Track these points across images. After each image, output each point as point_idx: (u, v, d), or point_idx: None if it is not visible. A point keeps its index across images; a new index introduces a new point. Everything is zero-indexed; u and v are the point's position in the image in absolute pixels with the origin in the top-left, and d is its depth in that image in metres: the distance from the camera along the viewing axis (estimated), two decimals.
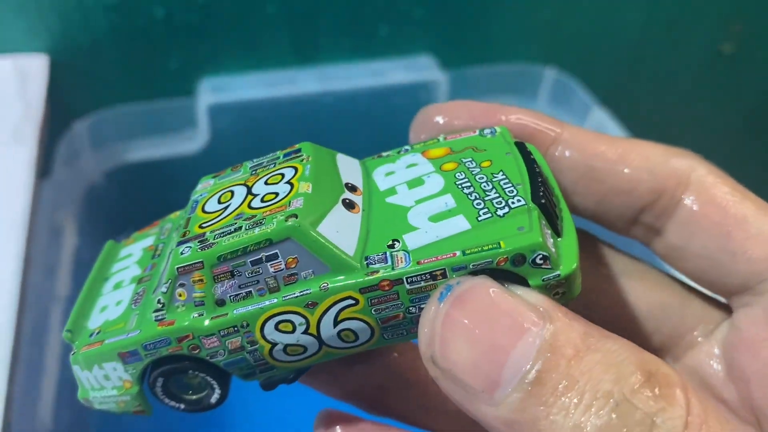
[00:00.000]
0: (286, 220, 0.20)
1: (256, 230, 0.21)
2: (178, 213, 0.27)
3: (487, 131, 0.24)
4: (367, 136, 0.62)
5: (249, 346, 0.22)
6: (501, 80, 0.62)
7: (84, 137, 0.54)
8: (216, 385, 0.23)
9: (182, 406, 0.24)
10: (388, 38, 0.59)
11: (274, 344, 0.21)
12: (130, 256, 0.27)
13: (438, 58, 0.60)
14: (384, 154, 0.26)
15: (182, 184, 0.60)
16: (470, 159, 0.23)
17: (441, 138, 0.25)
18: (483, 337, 0.16)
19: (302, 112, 0.58)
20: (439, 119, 0.25)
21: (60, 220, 0.50)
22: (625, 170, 0.22)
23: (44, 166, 0.49)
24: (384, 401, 0.25)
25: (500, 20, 0.60)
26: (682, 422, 0.15)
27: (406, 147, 0.25)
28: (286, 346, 0.22)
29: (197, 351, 0.22)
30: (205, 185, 0.25)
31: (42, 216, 0.46)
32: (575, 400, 0.15)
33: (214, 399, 0.23)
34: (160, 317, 0.22)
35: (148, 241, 0.27)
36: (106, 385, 0.23)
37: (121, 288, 0.25)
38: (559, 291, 0.19)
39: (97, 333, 0.23)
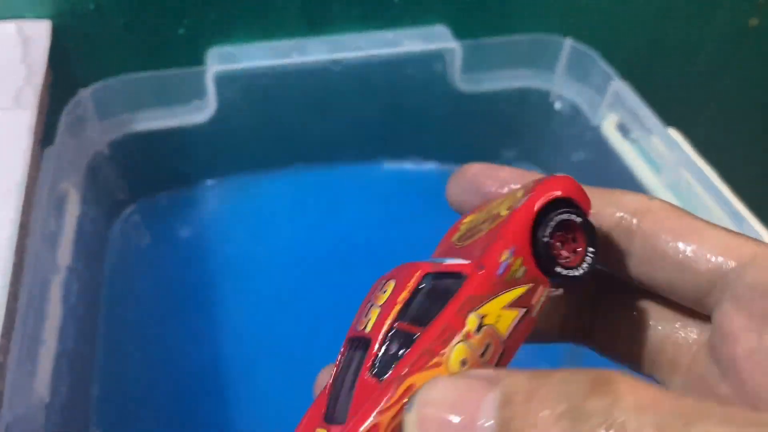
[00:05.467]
0: None
1: None
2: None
3: None
4: (379, 107, 0.61)
5: None
6: (518, 51, 0.60)
7: (89, 106, 0.53)
8: None
9: None
10: (402, 6, 0.57)
11: None
12: None
13: (453, 28, 0.59)
14: None
15: (189, 155, 0.59)
16: None
17: None
18: (454, 412, 0.18)
19: (312, 82, 0.57)
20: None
21: (62, 190, 0.49)
22: None
23: (48, 135, 0.48)
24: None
25: None
26: (631, 404, 0.15)
27: None
28: None
29: None
30: None
31: (43, 184, 0.45)
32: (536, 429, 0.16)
33: None
34: None
35: None
36: None
37: None
38: None
39: None
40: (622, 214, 0.24)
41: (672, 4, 0.63)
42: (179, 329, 0.54)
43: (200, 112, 0.56)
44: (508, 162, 0.67)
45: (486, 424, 0.17)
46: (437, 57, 0.58)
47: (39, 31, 0.51)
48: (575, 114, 0.59)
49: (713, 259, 0.22)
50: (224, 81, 0.55)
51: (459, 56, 0.58)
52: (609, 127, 0.56)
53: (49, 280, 0.45)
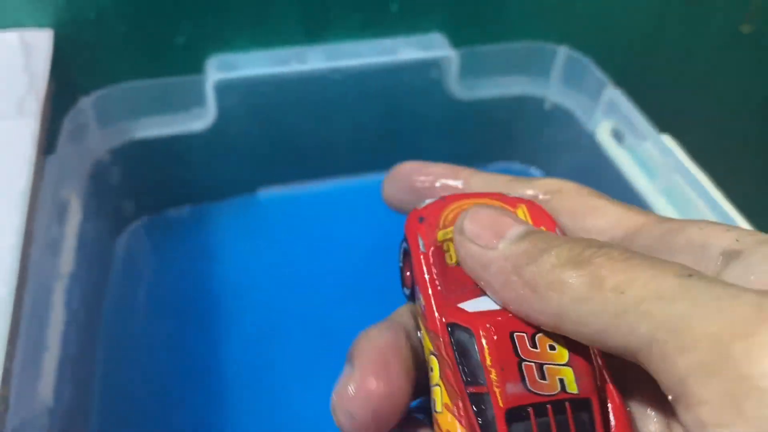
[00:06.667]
0: None
1: None
2: None
3: None
4: (377, 114, 0.62)
5: None
6: (513, 59, 0.60)
7: (90, 113, 0.53)
8: None
9: None
10: (399, 14, 0.58)
11: None
12: None
13: (449, 36, 0.59)
14: None
15: (189, 162, 0.60)
16: None
17: None
18: (492, 220, 0.22)
19: (311, 90, 0.57)
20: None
21: (64, 197, 0.49)
22: None
23: (49, 143, 0.48)
24: None
25: None
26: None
27: None
28: None
29: None
30: None
31: (45, 192, 0.46)
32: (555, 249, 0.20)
33: None
34: None
35: None
36: None
37: None
38: None
39: None
40: (536, 194, 0.25)
41: (665, 11, 0.64)
42: (180, 337, 0.55)
43: (200, 120, 0.57)
44: (505, 169, 0.68)
45: (514, 232, 0.21)
46: (434, 64, 0.58)
47: (41, 40, 0.51)
48: (570, 120, 0.60)
49: (605, 232, 0.23)
50: (224, 89, 0.55)
51: (455, 64, 0.58)
52: (603, 133, 0.56)
53: (52, 287, 0.45)
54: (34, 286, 0.41)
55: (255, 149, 0.61)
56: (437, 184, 0.26)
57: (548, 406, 0.19)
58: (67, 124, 0.51)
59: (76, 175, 0.52)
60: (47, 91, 0.49)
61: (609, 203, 0.24)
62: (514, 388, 0.19)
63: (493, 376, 0.20)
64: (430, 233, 0.23)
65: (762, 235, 0.20)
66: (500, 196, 0.24)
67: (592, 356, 0.21)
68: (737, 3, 0.65)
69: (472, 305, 0.21)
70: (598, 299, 0.18)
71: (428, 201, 0.25)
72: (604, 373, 0.21)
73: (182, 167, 0.60)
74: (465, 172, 0.26)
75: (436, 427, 0.21)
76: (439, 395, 0.21)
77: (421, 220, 0.24)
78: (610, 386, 0.21)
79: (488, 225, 0.22)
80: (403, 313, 0.24)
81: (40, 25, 0.52)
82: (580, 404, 0.20)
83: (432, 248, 0.23)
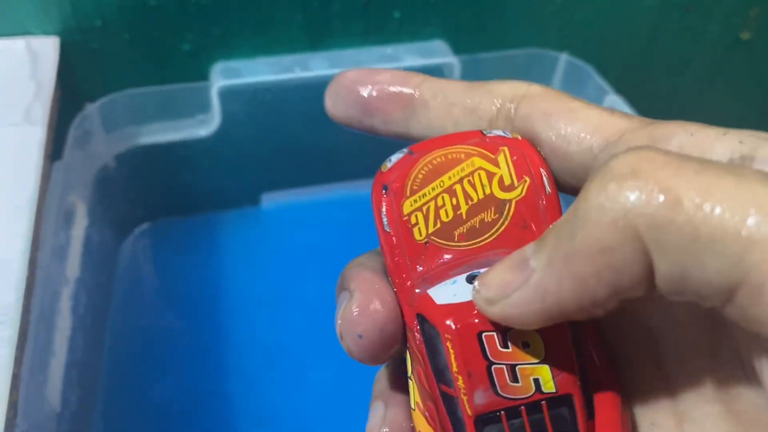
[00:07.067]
0: None
1: None
2: None
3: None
4: None
5: None
6: (514, 66, 0.61)
7: (95, 120, 0.54)
8: None
9: None
10: (401, 22, 0.58)
11: None
12: None
13: (451, 43, 0.60)
14: None
15: (193, 167, 0.60)
16: None
17: None
18: (503, 270, 0.19)
19: (314, 96, 0.57)
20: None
21: (71, 203, 0.50)
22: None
23: (55, 149, 0.49)
24: None
25: (514, 5, 0.60)
26: None
27: None
28: None
29: None
30: None
31: (52, 198, 0.46)
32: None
33: None
34: None
35: None
36: None
37: None
38: None
39: None
40: (500, 103, 0.22)
41: (665, 18, 0.65)
42: (184, 343, 0.55)
43: (205, 126, 0.57)
44: None
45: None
46: (436, 71, 0.59)
47: (47, 48, 0.52)
48: None
49: (584, 139, 0.21)
50: (228, 95, 0.56)
51: (457, 71, 0.59)
52: None
53: (59, 292, 0.45)
54: (41, 291, 0.42)
55: (259, 155, 0.61)
56: (386, 94, 0.24)
57: (521, 408, 0.19)
58: (73, 131, 0.51)
59: (83, 181, 0.52)
60: (54, 97, 0.49)
61: (587, 105, 0.21)
62: (482, 395, 0.19)
63: (460, 383, 0.19)
64: (395, 205, 0.21)
65: (762, 133, 0.18)
66: (480, 137, 0.22)
67: (575, 349, 0.19)
68: (736, 11, 0.66)
69: (442, 293, 0.20)
70: (679, 223, 0.15)
71: (394, 158, 0.22)
72: (600, 361, 0.20)
73: (187, 172, 0.60)
74: (416, 78, 0.24)
75: (412, 421, 0.21)
76: (412, 391, 0.21)
77: (386, 189, 0.21)
78: (605, 376, 0.20)
79: (506, 270, 0.19)
80: None
81: (47, 32, 0.53)
82: (558, 402, 0.19)
83: (397, 224, 0.21)
